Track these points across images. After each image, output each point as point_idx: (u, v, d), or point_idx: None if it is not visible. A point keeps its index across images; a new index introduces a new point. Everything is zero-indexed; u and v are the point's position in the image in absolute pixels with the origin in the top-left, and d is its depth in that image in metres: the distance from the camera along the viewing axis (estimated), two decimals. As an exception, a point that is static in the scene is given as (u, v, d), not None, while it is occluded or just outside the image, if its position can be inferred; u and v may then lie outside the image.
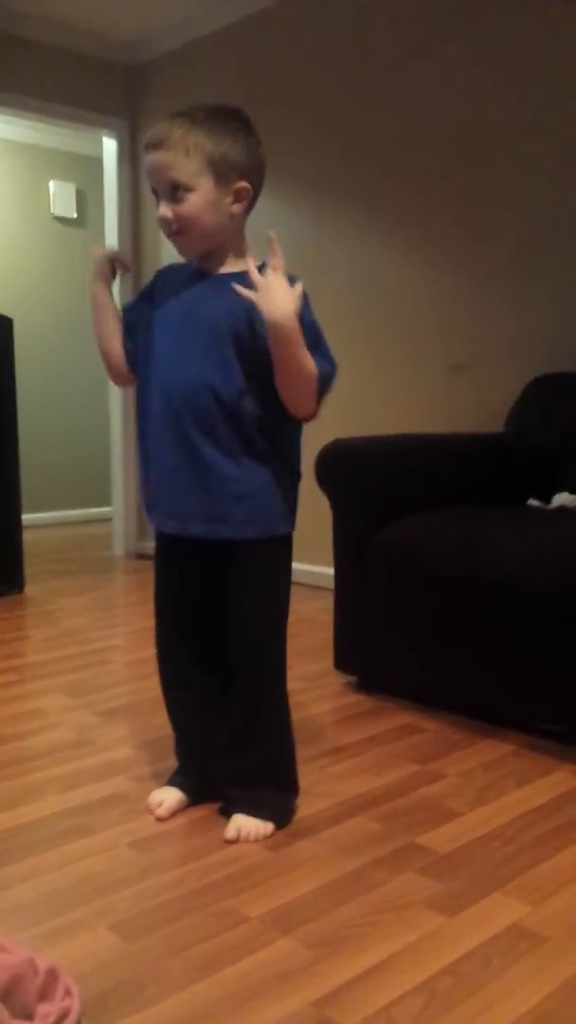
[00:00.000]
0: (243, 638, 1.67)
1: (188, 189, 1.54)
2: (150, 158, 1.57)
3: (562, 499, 2.52)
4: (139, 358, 1.69)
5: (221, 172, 1.55)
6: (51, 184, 5.65)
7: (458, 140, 3.21)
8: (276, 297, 1.47)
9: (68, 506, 5.92)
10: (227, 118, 1.58)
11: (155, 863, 1.57)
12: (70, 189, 5.73)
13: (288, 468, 1.67)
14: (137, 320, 1.71)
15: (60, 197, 5.69)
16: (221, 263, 1.63)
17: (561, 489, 2.57)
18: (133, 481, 4.75)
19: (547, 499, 2.59)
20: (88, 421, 5.79)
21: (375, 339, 3.56)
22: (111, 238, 4.66)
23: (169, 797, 1.76)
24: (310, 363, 1.53)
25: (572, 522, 2.29)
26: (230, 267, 1.62)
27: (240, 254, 1.63)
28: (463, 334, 3.26)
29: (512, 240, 3.09)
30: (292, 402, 1.58)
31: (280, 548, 1.68)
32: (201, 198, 1.55)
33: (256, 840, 1.64)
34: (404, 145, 3.39)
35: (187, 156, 1.53)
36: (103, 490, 5.34)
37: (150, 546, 4.78)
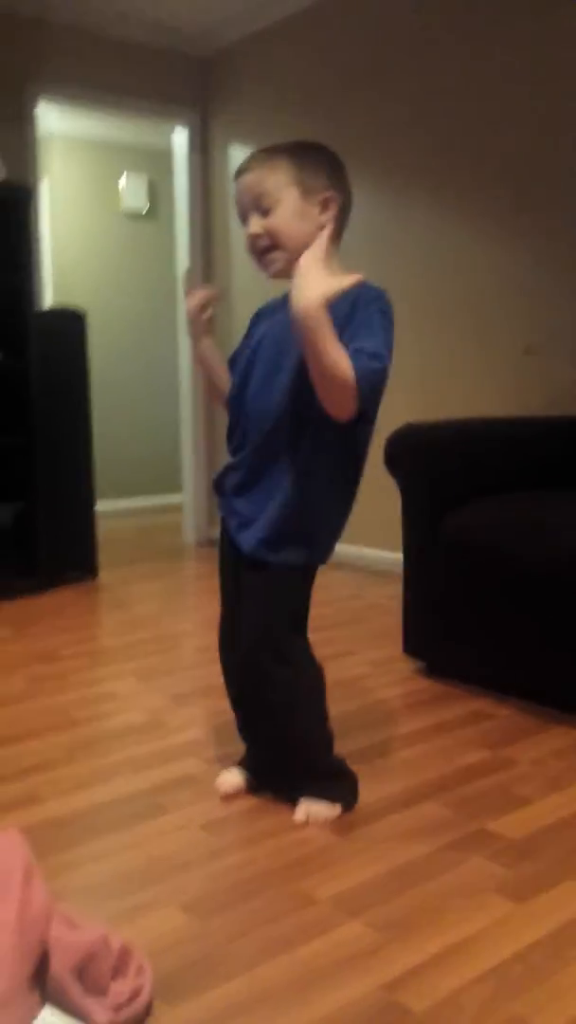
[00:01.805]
0: (243, 628, 1.68)
1: (276, 202, 1.55)
2: (239, 181, 1.59)
3: None
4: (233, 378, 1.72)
5: (307, 184, 1.55)
6: (123, 178, 5.70)
7: (526, 124, 3.14)
8: (305, 284, 1.40)
9: (140, 494, 6.01)
10: (311, 147, 1.62)
11: (226, 844, 1.59)
12: (142, 182, 5.78)
13: (333, 496, 1.64)
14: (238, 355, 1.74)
15: (131, 190, 5.74)
16: None
17: None
18: (204, 470, 4.80)
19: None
20: (159, 411, 5.86)
21: (445, 321, 3.52)
22: (182, 231, 4.68)
23: (232, 776, 1.79)
24: (343, 362, 1.41)
25: None
26: None
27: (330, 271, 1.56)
28: (534, 316, 3.20)
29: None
30: (327, 402, 1.48)
31: (295, 574, 1.65)
32: (288, 208, 1.55)
33: (325, 823, 1.65)
34: (473, 126, 3.33)
35: (272, 171, 1.55)
36: (174, 479, 5.41)
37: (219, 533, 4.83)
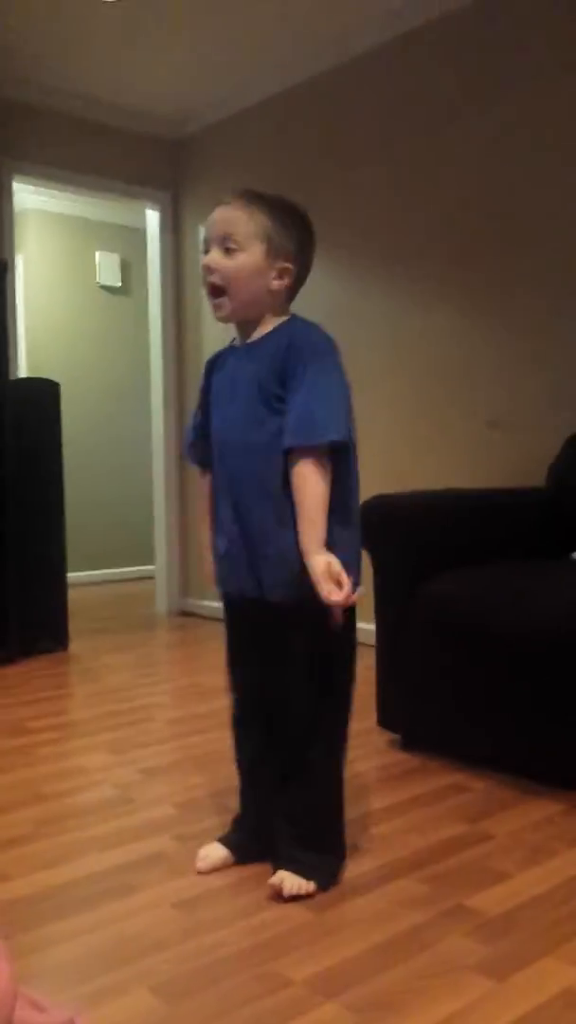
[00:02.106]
0: (291, 708, 1.66)
1: (240, 248, 1.59)
2: (215, 212, 1.62)
3: (606, 552, 2.50)
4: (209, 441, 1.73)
5: (273, 246, 1.61)
6: (97, 254, 5.83)
7: (489, 198, 3.26)
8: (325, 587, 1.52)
9: (112, 564, 5.98)
10: (292, 210, 1.66)
11: (198, 924, 1.55)
12: (115, 259, 5.90)
13: (344, 525, 1.63)
14: (204, 418, 1.77)
15: (106, 267, 5.86)
16: (258, 331, 1.67)
17: (605, 542, 2.54)
18: (176, 539, 4.80)
19: (591, 552, 2.56)
20: (132, 481, 5.87)
21: (412, 395, 3.59)
22: (154, 306, 4.78)
23: (214, 853, 1.75)
24: (315, 510, 1.54)
25: (617, 575, 2.26)
26: (265, 332, 1.66)
27: (277, 323, 1.66)
28: (500, 389, 3.28)
29: (546, 295, 3.11)
30: None
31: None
32: (249, 260, 1.60)
33: (297, 894, 1.61)
34: (436, 205, 3.45)
35: (249, 219, 1.60)
36: (146, 549, 5.39)
37: (192, 603, 4.82)
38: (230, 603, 1.76)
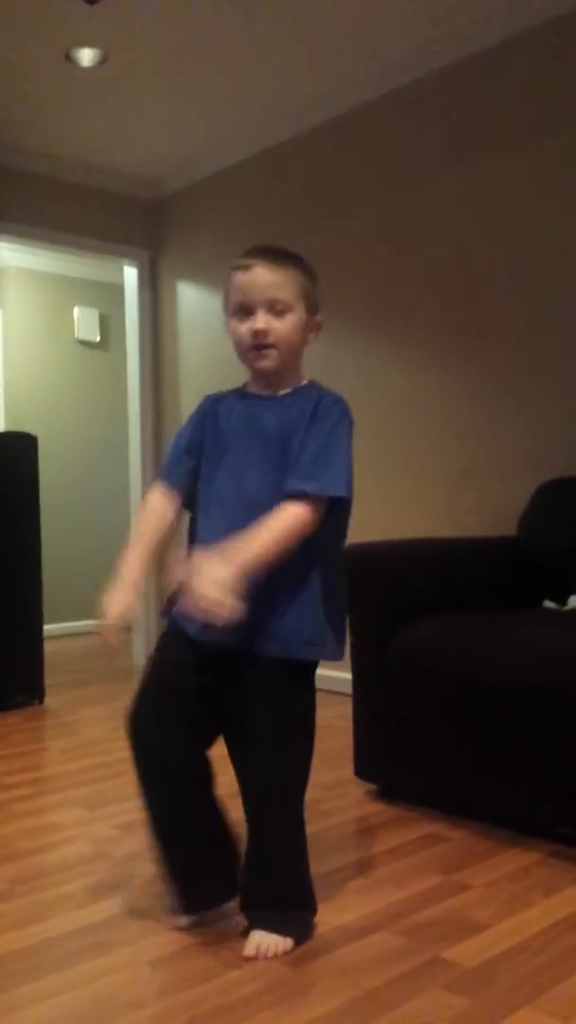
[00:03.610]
0: (261, 770, 1.65)
1: (288, 309, 1.64)
2: (253, 272, 1.64)
3: (578, 601, 2.53)
4: (202, 475, 1.72)
5: (309, 303, 1.68)
6: (76, 310, 5.90)
7: (462, 253, 3.35)
8: (206, 585, 1.46)
9: (90, 617, 5.95)
10: (309, 264, 1.72)
11: (174, 981, 1.53)
12: (94, 314, 5.98)
13: (330, 590, 1.66)
14: (199, 432, 1.75)
15: (84, 322, 5.93)
16: (284, 384, 1.71)
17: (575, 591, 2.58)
18: (153, 592, 4.78)
19: (563, 600, 2.59)
20: (110, 534, 5.86)
21: (385, 446, 3.64)
22: (132, 361, 4.84)
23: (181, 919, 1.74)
24: (275, 544, 1.53)
25: (589, 623, 2.29)
26: (289, 387, 1.72)
27: (299, 378, 1.74)
28: (473, 440, 3.33)
29: (518, 347, 3.18)
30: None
31: (303, 675, 1.66)
32: (296, 319, 1.66)
33: (275, 956, 1.60)
34: (411, 261, 3.54)
35: (290, 281, 1.65)
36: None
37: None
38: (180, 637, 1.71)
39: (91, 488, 5.94)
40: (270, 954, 1.60)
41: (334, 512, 1.65)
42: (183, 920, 1.72)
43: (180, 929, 1.71)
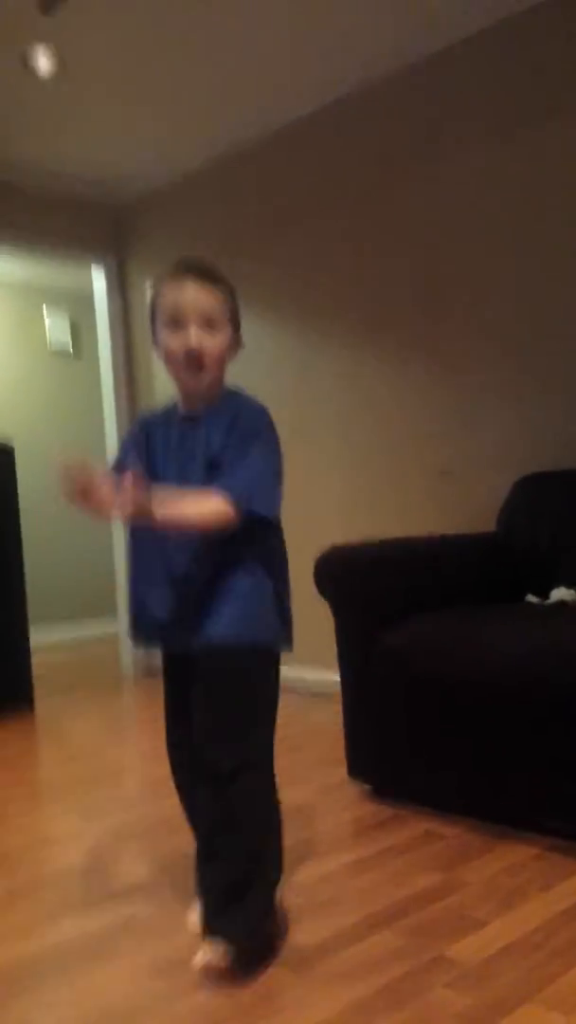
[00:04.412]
0: (204, 737, 1.64)
1: (218, 329, 1.67)
2: (189, 287, 1.65)
3: (560, 594, 2.55)
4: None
5: (235, 324, 1.71)
6: (46, 318, 5.87)
7: (434, 253, 3.37)
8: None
9: (76, 626, 5.94)
10: (230, 283, 1.73)
11: (176, 989, 1.53)
12: (64, 322, 5.95)
13: (266, 575, 1.68)
14: (129, 455, 1.77)
15: (55, 330, 5.91)
16: (210, 399, 1.71)
17: (557, 584, 2.60)
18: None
19: (545, 594, 2.61)
20: (92, 544, 5.85)
21: (365, 446, 3.65)
22: (105, 368, 4.83)
23: (194, 915, 1.74)
24: (205, 505, 1.58)
25: (574, 617, 2.30)
26: (214, 402, 1.72)
27: (223, 390, 1.75)
28: (450, 438, 3.35)
29: (492, 346, 3.20)
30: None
31: (252, 659, 1.66)
32: (225, 339, 1.68)
33: (216, 968, 1.55)
34: (382, 261, 3.55)
35: (223, 302, 1.67)
36: (110, 607, 5.36)
37: (157, 663, 4.78)
38: (172, 661, 1.78)
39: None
40: (211, 967, 1.54)
41: (259, 527, 1.64)
42: (192, 920, 1.73)
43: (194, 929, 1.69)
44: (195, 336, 1.64)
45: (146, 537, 1.70)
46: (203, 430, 1.69)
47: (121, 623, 4.81)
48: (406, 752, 2.35)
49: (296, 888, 1.91)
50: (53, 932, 1.77)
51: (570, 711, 1.98)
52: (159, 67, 3.48)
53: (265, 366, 3.86)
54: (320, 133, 3.78)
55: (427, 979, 1.52)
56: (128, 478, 1.51)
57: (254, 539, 1.65)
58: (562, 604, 2.52)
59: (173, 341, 1.66)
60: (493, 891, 1.84)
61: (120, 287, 4.81)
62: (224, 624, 1.62)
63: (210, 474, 1.64)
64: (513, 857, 2.01)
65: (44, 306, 5.89)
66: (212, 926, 1.59)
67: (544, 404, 3.06)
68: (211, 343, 1.66)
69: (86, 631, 5.96)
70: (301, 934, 1.71)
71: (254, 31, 3.23)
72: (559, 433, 3.00)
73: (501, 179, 3.15)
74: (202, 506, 1.58)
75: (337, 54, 3.40)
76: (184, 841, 2.15)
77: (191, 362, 1.66)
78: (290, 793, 2.50)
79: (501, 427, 3.18)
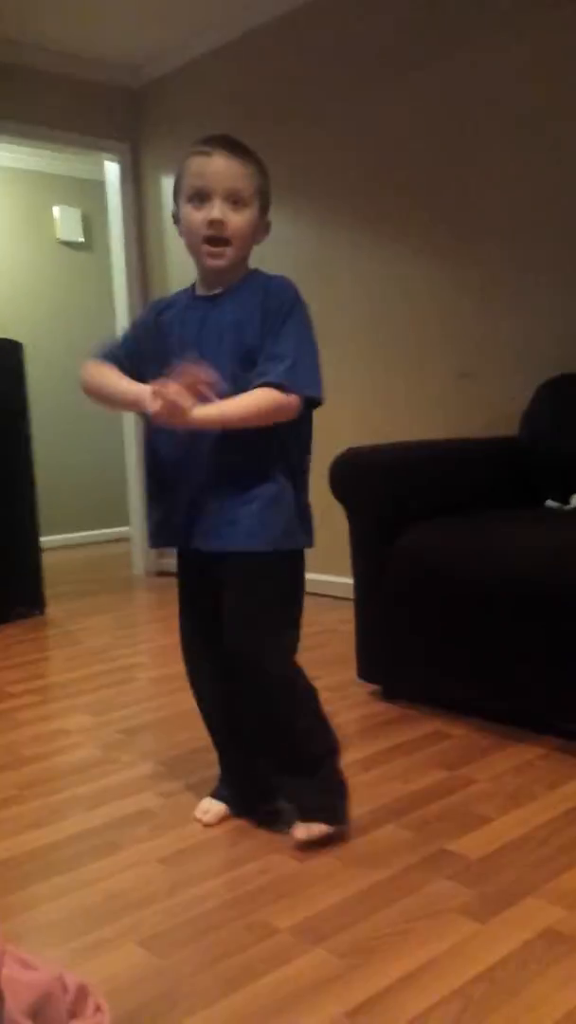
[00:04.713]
0: (236, 637, 1.65)
1: (246, 205, 1.59)
2: (217, 159, 1.57)
3: (581, 498, 2.50)
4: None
5: (263, 203, 1.64)
6: (56, 209, 5.69)
7: (454, 148, 3.21)
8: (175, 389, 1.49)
9: (87, 527, 5.94)
10: (263, 161, 1.65)
11: (183, 878, 1.56)
12: (75, 214, 5.77)
13: (286, 477, 1.65)
14: (140, 341, 1.72)
15: (66, 222, 5.73)
16: (232, 280, 1.65)
17: (579, 489, 2.55)
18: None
19: (565, 500, 2.56)
20: (103, 442, 5.81)
21: (383, 347, 3.56)
22: (117, 261, 4.69)
23: (214, 807, 1.77)
24: (243, 410, 1.53)
25: (592, 521, 2.27)
26: (237, 281, 1.66)
27: (245, 271, 1.68)
28: (470, 340, 3.25)
29: (512, 245, 3.07)
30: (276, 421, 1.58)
31: (273, 562, 1.63)
32: (252, 216, 1.61)
33: (320, 838, 1.62)
34: (402, 156, 3.39)
35: (251, 175, 1.60)
36: (121, 510, 5.36)
37: (169, 563, 4.80)
38: (188, 561, 1.76)
39: (81, 395, 5.83)
40: (315, 838, 1.62)
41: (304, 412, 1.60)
42: (211, 815, 1.76)
43: (209, 825, 1.74)
44: (219, 209, 1.57)
45: (165, 440, 1.65)
46: (228, 308, 1.62)
47: (134, 525, 4.81)
48: (415, 654, 2.35)
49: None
50: (63, 823, 1.80)
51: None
52: None
53: (278, 260, 3.74)
54: (351, 9, 3.55)
55: (431, 872, 1.53)
56: (189, 367, 1.47)
57: (276, 435, 1.59)
58: (579, 508, 2.48)
59: (196, 215, 1.59)
60: (499, 788, 1.85)
61: (134, 175, 4.63)
62: (246, 531, 1.59)
63: (245, 363, 1.58)
64: (520, 756, 2.01)
65: (54, 196, 5.70)
66: (303, 808, 1.65)
67: (565, 304, 2.95)
68: (237, 218, 1.58)
69: (97, 533, 5.97)
70: (307, 827, 1.73)
71: None
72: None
73: (521, 74, 2.97)
74: (260, 400, 1.53)
75: None
76: (193, 736, 2.18)
77: (214, 236, 1.59)
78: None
79: (522, 328, 3.08)
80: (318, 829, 1.63)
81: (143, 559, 4.78)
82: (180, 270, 4.43)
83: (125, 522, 5.20)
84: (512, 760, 2.00)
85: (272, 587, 1.64)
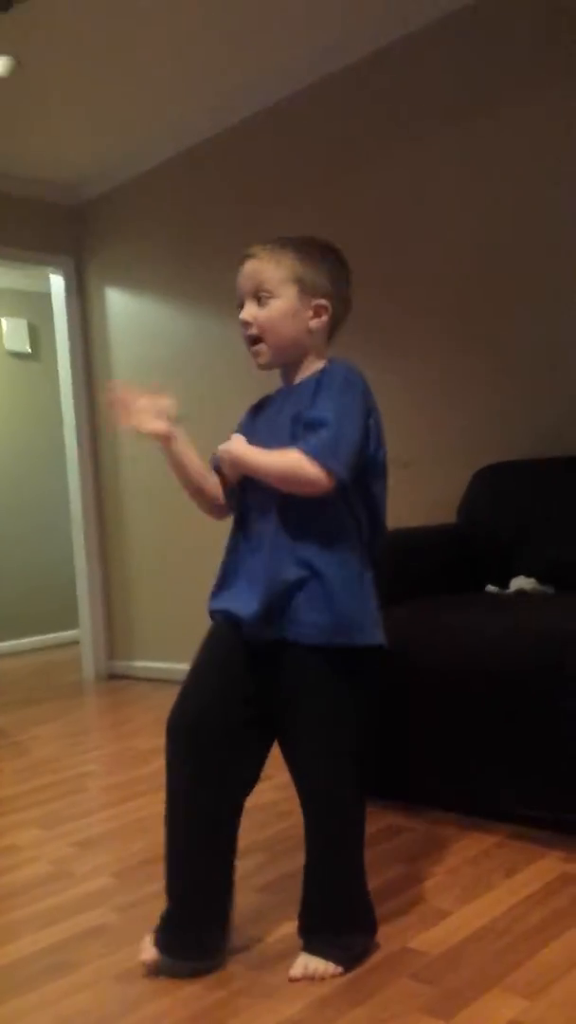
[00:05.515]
0: (307, 770, 1.61)
1: (272, 296, 1.59)
2: (246, 264, 1.62)
3: (519, 583, 2.56)
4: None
5: (305, 286, 1.61)
6: (3, 321, 5.80)
7: (388, 240, 3.37)
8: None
9: (35, 632, 5.87)
10: (322, 247, 1.67)
11: (140, 996, 1.51)
12: (22, 324, 5.89)
13: (358, 562, 1.60)
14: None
15: (13, 333, 5.84)
16: (301, 373, 1.64)
17: (516, 574, 2.61)
18: (100, 600, 4.74)
19: (504, 584, 2.62)
20: (51, 548, 5.79)
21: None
22: (64, 370, 4.78)
23: (149, 950, 1.59)
24: (276, 466, 1.53)
25: (533, 606, 2.32)
26: (307, 374, 1.64)
27: (319, 363, 1.65)
28: (408, 431, 3.35)
29: (454, 336, 3.21)
30: (297, 491, 1.54)
31: (344, 663, 1.55)
32: (283, 305, 1.59)
33: (323, 978, 1.51)
34: (349, 248, 3.53)
35: (276, 266, 1.60)
36: (70, 613, 5.31)
37: (121, 665, 4.75)
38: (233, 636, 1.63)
39: (29, 502, 5.85)
40: (317, 976, 1.51)
41: (346, 494, 1.58)
42: (152, 953, 1.58)
43: (144, 962, 1.58)
44: (246, 310, 1.61)
45: (245, 533, 1.63)
46: (294, 396, 1.62)
47: (84, 628, 4.76)
48: (370, 746, 2.34)
49: (260, 886, 1.90)
50: (15, 945, 1.74)
51: (529, 697, 1.99)
52: (115, 65, 3.46)
53: (215, 361, 3.84)
54: (289, 120, 3.73)
55: (392, 972, 1.51)
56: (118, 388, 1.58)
57: (339, 513, 1.57)
58: (522, 593, 2.53)
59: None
60: (457, 880, 1.85)
61: (78, 288, 4.76)
62: (313, 624, 1.52)
63: (294, 432, 1.56)
64: (477, 846, 2.01)
65: (1, 308, 5.81)
66: (322, 949, 1.54)
67: (502, 395, 3.07)
68: (262, 313, 1.59)
69: (45, 637, 5.89)
70: (265, 932, 1.70)
71: (213, 21, 3.22)
72: (518, 424, 3.01)
73: (467, 156, 3.16)
74: (286, 458, 1.51)
75: (303, 41, 3.40)
76: (144, 847, 2.14)
77: (247, 336, 1.62)
78: (256, 789, 2.49)
79: (460, 419, 3.19)
80: (321, 968, 1.52)
81: (93, 662, 4.72)
82: (126, 378, 4.53)
83: (74, 625, 5.15)
84: (469, 850, 1.99)
85: (347, 690, 1.57)
